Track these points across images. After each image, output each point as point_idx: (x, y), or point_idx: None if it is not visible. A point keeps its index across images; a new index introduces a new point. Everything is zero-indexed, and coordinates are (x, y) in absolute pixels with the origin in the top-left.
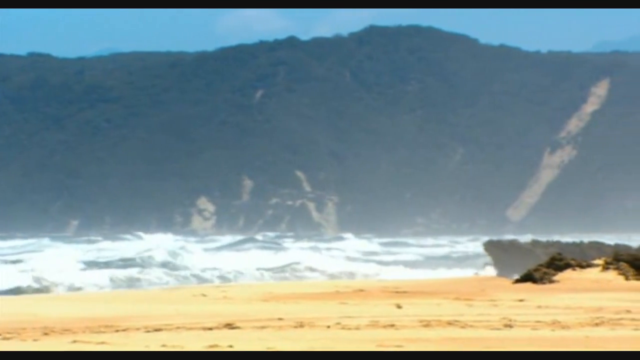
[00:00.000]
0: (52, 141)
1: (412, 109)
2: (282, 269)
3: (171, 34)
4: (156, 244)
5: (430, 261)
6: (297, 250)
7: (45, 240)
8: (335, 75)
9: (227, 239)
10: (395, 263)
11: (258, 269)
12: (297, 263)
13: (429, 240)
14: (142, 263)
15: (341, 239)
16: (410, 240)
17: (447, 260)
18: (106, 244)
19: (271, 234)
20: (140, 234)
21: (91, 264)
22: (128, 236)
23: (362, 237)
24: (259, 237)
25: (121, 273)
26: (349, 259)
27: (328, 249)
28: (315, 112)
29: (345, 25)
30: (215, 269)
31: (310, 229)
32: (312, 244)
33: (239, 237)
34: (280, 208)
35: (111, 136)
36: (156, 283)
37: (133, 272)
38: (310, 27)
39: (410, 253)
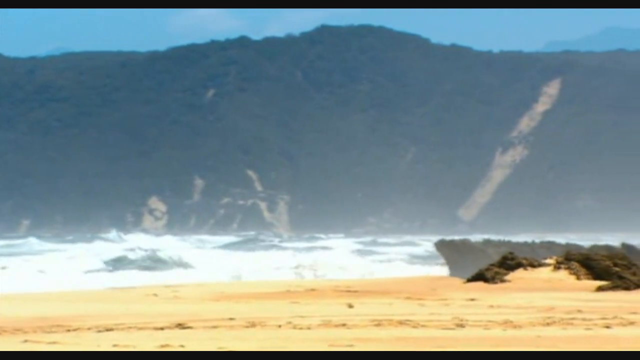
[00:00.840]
0: (3, 141)
1: (364, 108)
2: (312, 267)
3: (122, 33)
4: (143, 244)
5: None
6: (304, 251)
7: (33, 240)
8: (286, 74)
9: (217, 239)
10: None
11: (297, 267)
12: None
13: (405, 238)
14: (173, 264)
15: (315, 238)
16: (383, 239)
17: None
18: (97, 244)
19: (247, 233)
20: (121, 234)
21: (118, 265)
22: (109, 235)
23: (331, 237)
24: (261, 237)
25: (165, 275)
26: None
27: (324, 247)
28: (266, 111)
29: (297, 25)
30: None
31: (262, 229)
32: (295, 244)
33: (230, 238)
34: (232, 208)
35: (62, 135)
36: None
37: (180, 273)
38: (262, 26)
39: (399, 253)
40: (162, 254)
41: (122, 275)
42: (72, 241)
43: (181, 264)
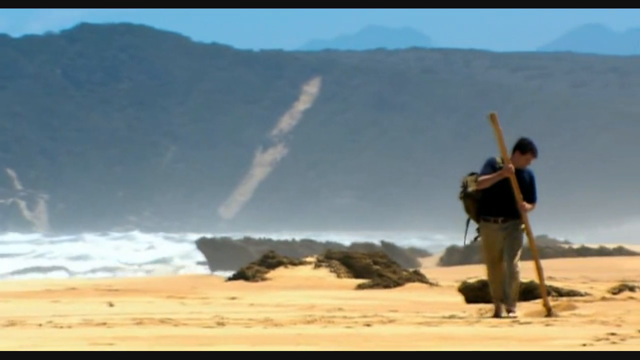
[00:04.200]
0: None
1: (124, 106)
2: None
3: None
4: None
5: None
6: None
7: None
8: (46, 72)
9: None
10: None
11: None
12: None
13: (166, 237)
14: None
15: (130, 237)
16: (145, 238)
17: None
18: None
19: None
20: None
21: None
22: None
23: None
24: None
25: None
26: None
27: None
28: (26, 109)
29: (56, 23)
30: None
31: (22, 228)
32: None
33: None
34: None
35: None
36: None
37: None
38: (22, 24)
39: (160, 251)
40: None
41: None
42: None
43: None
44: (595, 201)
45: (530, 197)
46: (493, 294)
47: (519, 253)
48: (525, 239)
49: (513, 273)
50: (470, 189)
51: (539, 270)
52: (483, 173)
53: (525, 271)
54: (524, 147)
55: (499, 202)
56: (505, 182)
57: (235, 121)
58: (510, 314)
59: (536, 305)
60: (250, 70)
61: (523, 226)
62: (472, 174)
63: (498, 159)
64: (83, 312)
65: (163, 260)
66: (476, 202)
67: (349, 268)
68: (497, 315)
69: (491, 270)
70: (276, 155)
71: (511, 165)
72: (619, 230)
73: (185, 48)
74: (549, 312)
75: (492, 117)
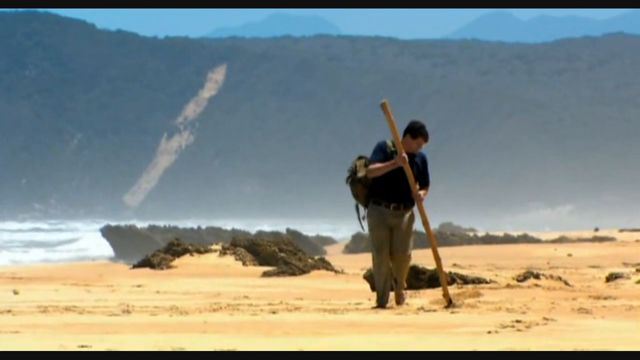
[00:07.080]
0: None
1: (29, 94)
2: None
3: None
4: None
5: None
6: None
7: None
8: None
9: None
10: None
11: None
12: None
13: (71, 225)
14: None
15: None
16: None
17: None
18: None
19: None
20: None
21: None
22: None
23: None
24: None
25: None
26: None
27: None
28: None
29: None
30: None
31: None
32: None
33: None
34: None
35: None
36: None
37: None
38: None
39: (64, 239)
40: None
41: None
42: None
43: None
44: (500, 189)
45: (424, 179)
46: (378, 280)
47: (412, 240)
48: (420, 228)
49: (405, 258)
50: (360, 174)
51: (438, 260)
52: (373, 159)
53: (427, 258)
54: (415, 132)
55: (390, 189)
56: (398, 168)
57: (141, 108)
58: (400, 296)
59: (441, 293)
60: (156, 57)
61: (413, 211)
62: (361, 157)
63: (389, 143)
64: None
65: (68, 249)
66: (366, 188)
67: (254, 255)
68: (380, 305)
69: (378, 256)
70: (182, 142)
71: (405, 155)
72: (524, 217)
73: (91, 35)
74: (449, 303)
75: (383, 106)
